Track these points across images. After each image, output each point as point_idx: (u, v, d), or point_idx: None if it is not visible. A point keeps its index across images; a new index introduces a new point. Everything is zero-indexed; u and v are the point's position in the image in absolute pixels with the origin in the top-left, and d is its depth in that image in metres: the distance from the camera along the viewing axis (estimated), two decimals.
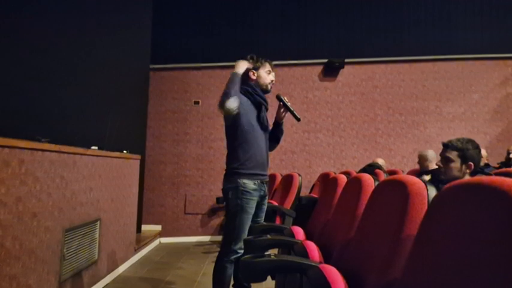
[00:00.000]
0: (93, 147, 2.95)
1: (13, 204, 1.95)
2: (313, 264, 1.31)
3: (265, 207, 2.46)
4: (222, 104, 2.18)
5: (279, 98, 2.43)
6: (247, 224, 2.26)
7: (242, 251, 2.22)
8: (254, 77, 2.37)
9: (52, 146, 2.31)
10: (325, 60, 5.61)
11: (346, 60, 5.54)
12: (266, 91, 2.42)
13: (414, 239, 1.02)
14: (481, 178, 0.84)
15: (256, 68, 2.38)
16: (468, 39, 5.58)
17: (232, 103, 2.18)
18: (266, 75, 2.39)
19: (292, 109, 2.41)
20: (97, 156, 3.01)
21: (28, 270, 2.08)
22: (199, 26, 5.64)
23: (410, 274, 0.97)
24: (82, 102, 3.15)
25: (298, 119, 2.44)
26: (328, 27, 5.65)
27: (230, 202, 2.27)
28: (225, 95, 2.19)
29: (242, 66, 2.35)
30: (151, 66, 5.47)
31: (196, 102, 5.61)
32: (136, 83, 4.81)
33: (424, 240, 0.98)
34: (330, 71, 5.65)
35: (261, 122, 2.38)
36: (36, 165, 2.16)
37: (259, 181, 2.31)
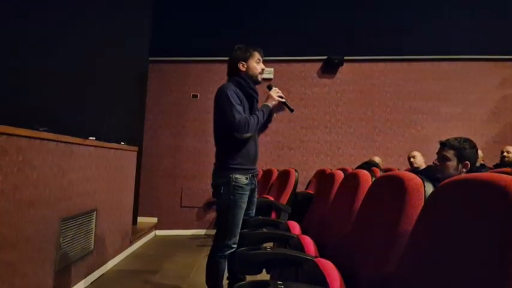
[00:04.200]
0: (90, 138, 2.94)
1: (10, 191, 1.94)
2: (309, 257, 1.32)
3: (255, 200, 2.44)
4: (242, 132, 2.16)
5: (270, 88, 2.41)
6: (241, 218, 2.24)
7: (236, 246, 2.21)
8: (244, 69, 2.31)
9: (50, 135, 2.31)
10: (325, 57, 5.60)
11: (346, 57, 5.54)
12: (257, 82, 2.35)
13: (410, 234, 1.03)
14: (477, 174, 0.85)
15: (245, 59, 2.31)
16: (467, 40, 5.58)
17: (249, 134, 2.20)
18: (256, 65, 2.31)
19: (284, 100, 2.39)
20: (94, 146, 3.01)
21: (24, 258, 2.08)
22: (200, 19, 5.62)
23: (405, 268, 0.98)
24: (81, 93, 3.13)
25: (292, 110, 2.43)
26: (328, 25, 5.64)
27: (222, 197, 2.23)
28: (251, 127, 2.17)
29: (275, 97, 2.34)
30: (151, 58, 5.45)
31: (195, 96, 5.60)
32: (135, 75, 4.79)
33: (420, 236, 0.99)
34: (329, 68, 5.65)
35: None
36: (34, 154, 2.16)
37: (250, 175, 2.29)
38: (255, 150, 2.35)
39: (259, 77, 2.35)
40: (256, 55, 2.32)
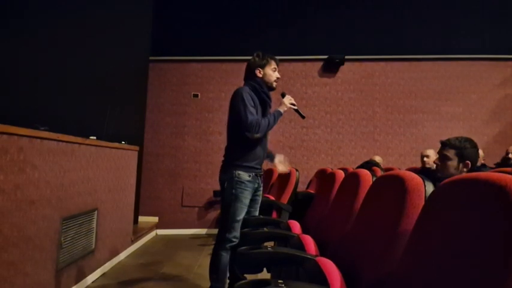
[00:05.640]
0: (91, 137, 2.95)
1: (11, 191, 1.95)
2: (310, 257, 1.32)
3: (259, 199, 2.53)
4: (253, 132, 2.27)
5: (283, 96, 2.52)
6: (242, 213, 2.34)
7: (237, 240, 2.29)
8: (260, 75, 2.44)
9: (51, 135, 2.31)
10: (326, 57, 5.60)
11: (346, 57, 5.53)
12: (271, 89, 2.49)
13: (410, 233, 1.03)
14: (478, 174, 0.85)
15: (262, 66, 2.43)
16: (468, 39, 5.58)
17: (259, 135, 2.32)
18: (272, 72, 2.45)
19: (296, 107, 2.50)
20: (95, 146, 3.01)
21: (26, 258, 2.09)
22: (200, 19, 5.61)
23: (405, 268, 0.98)
24: (81, 92, 3.14)
25: (303, 117, 2.57)
26: (329, 24, 5.64)
27: (225, 192, 2.36)
28: (262, 129, 2.29)
29: (287, 104, 2.45)
30: (151, 57, 5.45)
31: (196, 95, 5.60)
32: (135, 75, 4.79)
33: (420, 235, 0.99)
34: (330, 68, 5.64)
35: None
36: (35, 153, 2.16)
37: (253, 174, 2.39)
38: (263, 151, 2.47)
39: (274, 84, 2.48)
40: (273, 63, 2.46)
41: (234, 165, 2.35)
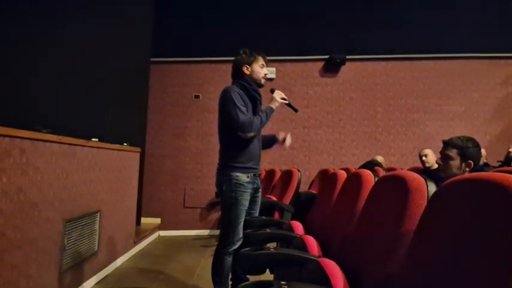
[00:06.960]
0: (93, 139, 2.95)
1: (14, 193, 1.95)
2: (312, 257, 1.32)
3: (259, 200, 2.49)
4: (246, 131, 2.23)
5: (272, 91, 2.47)
6: (243, 216, 2.30)
7: (240, 243, 2.26)
8: (248, 72, 2.38)
9: (53, 137, 2.32)
10: (327, 57, 5.60)
11: (348, 56, 5.53)
12: (260, 85, 2.42)
13: (413, 233, 1.03)
14: (480, 174, 0.85)
15: (249, 63, 2.37)
16: (470, 37, 5.57)
17: (253, 133, 2.28)
18: (260, 69, 2.39)
19: (287, 101, 2.45)
20: (97, 148, 3.01)
21: (29, 260, 2.09)
22: (201, 20, 5.62)
23: (408, 268, 0.98)
24: (83, 94, 3.14)
25: (296, 110, 2.50)
26: (330, 24, 5.64)
27: (225, 195, 2.31)
28: (255, 127, 2.25)
29: (278, 99, 2.39)
30: (152, 59, 5.46)
31: (197, 96, 5.61)
32: (136, 76, 4.80)
33: (423, 235, 0.99)
34: (331, 68, 5.64)
35: None
36: (37, 156, 2.17)
37: (252, 174, 2.34)
38: (258, 150, 2.42)
39: (263, 81, 2.42)
40: (260, 60, 2.40)
41: (230, 166, 2.30)
